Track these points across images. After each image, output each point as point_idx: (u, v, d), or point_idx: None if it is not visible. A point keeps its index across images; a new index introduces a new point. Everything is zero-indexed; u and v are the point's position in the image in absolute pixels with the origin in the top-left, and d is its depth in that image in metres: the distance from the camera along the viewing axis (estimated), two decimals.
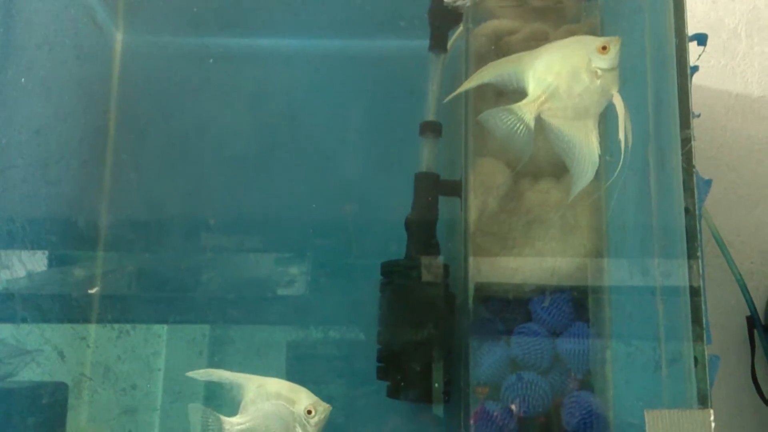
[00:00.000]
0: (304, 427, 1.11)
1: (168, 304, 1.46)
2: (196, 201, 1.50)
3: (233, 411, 1.13)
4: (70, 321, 1.39)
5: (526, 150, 1.14)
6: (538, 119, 1.13)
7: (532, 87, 1.13)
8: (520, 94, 1.15)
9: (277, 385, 1.15)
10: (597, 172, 1.34)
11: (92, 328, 1.42)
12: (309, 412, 1.11)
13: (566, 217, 1.38)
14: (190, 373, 1.19)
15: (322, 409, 1.12)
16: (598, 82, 1.10)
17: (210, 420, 1.13)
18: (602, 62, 1.09)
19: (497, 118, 1.13)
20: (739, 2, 1.75)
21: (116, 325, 1.42)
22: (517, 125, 1.12)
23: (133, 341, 1.43)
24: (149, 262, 1.45)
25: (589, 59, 1.10)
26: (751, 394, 1.58)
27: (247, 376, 1.15)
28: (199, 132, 1.52)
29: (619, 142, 1.11)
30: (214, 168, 1.50)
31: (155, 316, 1.45)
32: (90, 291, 1.42)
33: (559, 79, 1.12)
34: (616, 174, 1.16)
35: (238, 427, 1.13)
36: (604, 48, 1.09)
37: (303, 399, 1.12)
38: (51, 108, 1.38)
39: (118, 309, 1.43)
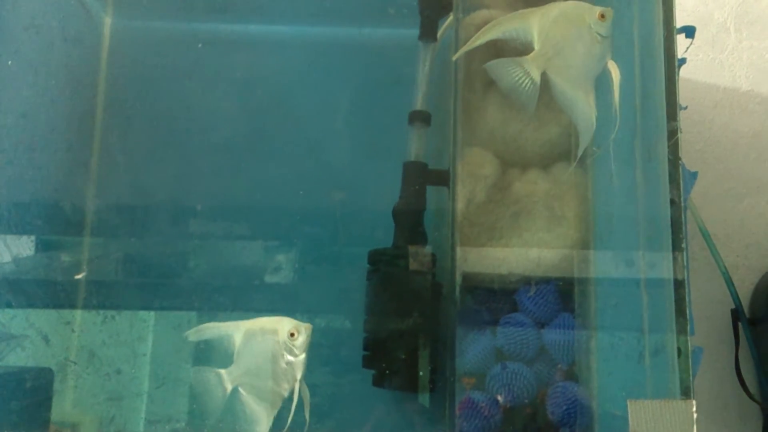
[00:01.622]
0: (291, 351, 1.13)
1: (154, 290, 1.45)
2: (183, 187, 1.49)
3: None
4: (56, 306, 1.39)
5: (529, 104, 1.16)
6: (544, 75, 1.15)
7: (540, 41, 1.16)
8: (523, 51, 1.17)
9: (258, 322, 1.17)
10: (584, 162, 1.35)
11: (78, 313, 1.41)
12: (292, 334, 1.13)
13: (553, 208, 1.39)
14: (186, 334, 1.21)
15: (304, 328, 1.14)
16: (598, 46, 1.14)
17: (211, 378, 1.15)
18: (601, 28, 1.14)
19: (504, 69, 1.16)
20: None
21: (101, 310, 1.42)
22: (523, 78, 1.15)
23: (118, 326, 1.42)
24: (136, 247, 1.45)
25: (590, 24, 1.14)
26: (734, 386, 1.58)
27: (235, 323, 1.17)
28: (187, 118, 1.52)
29: (615, 113, 1.14)
30: (202, 154, 1.50)
31: (141, 302, 1.45)
32: (76, 276, 1.41)
33: (565, 38, 1.15)
34: (611, 138, 1.19)
35: (235, 374, 1.15)
36: (602, 16, 1.14)
37: (284, 325, 1.14)
38: (38, 91, 1.37)
39: (104, 294, 1.42)
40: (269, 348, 1.14)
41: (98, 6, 1.51)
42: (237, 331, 1.17)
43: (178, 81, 1.52)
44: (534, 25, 1.16)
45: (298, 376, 1.14)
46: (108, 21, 1.53)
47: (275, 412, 1.14)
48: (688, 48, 1.16)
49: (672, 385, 1.01)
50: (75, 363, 1.40)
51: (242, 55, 1.54)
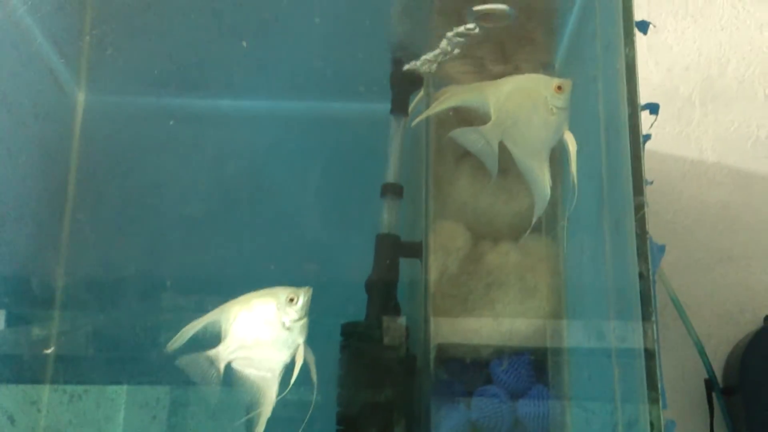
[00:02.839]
0: (290, 316, 1.11)
1: (123, 366, 1.43)
2: (154, 261, 1.49)
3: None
4: (23, 384, 1.37)
5: (492, 167, 1.20)
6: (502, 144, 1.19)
7: (496, 113, 1.19)
8: (475, 117, 1.21)
9: (248, 296, 1.14)
10: (556, 234, 1.36)
11: (44, 393, 1.39)
12: (291, 299, 1.11)
13: (525, 280, 1.40)
14: (167, 346, 1.16)
15: (303, 291, 1.12)
16: (553, 118, 1.17)
17: (201, 361, 1.13)
18: (557, 101, 1.17)
19: (467, 137, 1.20)
20: (694, 71, 1.80)
21: (68, 389, 1.39)
22: (484, 145, 1.19)
23: (85, 405, 1.40)
24: (105, 323, 1.43)
25: (546, 96, 1.17)
26: None
27: (220, 307, 1.15)
28: (160, 192, 1.52)
29: (572, 184, 1.17)
30: (174, 228, 1.50)
31: (110, 379, 1.42)
32: (45, 351, 1.39)
33: (520, 110, 1.19)
34: (570, 209, 1.23)
35: (228, 350, 1.13)
36: (559, 88, 1.17)
37: (280, 293, 1.12)
38: (9, 168, 1.37)
39: (72, 372, 1.40)
40: (265, 317, 1.12)
41: (71, 81, 1.53)
42: (221, 312, 1.14)
43: (150, 156, 1.53)
44: (489, 97, 1.19)
45: (300, 340, 1.12)
46: (81, 97, 1.54)
47: (279, 378, 1.12)
48: (652, 124, 1.18)
49: None
50: None
51: (214, 129, 1.56)
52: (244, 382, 1.14)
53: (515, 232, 1.41)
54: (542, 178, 1.19)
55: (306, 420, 1.15)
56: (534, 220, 1.23)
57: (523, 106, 1.19)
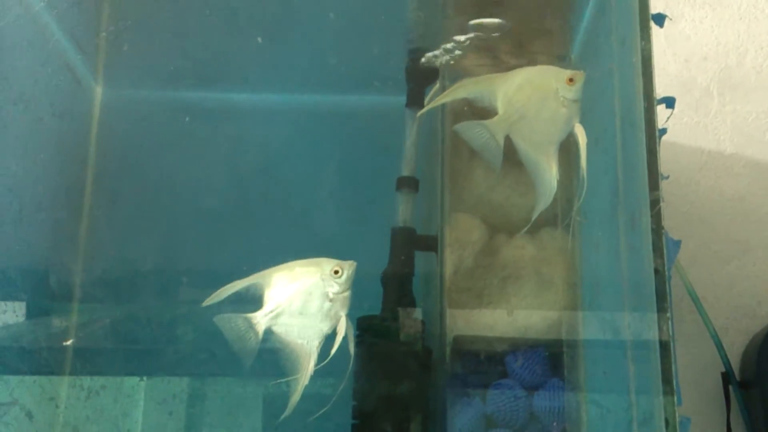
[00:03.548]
0: (333, 287, 1.12)
1: (141, 360, 1.45)
2: (171, 256, 1.50)
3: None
4: (41, 380, 1.38)
5: (496, 162, 1.18)
6: (507, 138, 1.17)
7: (503, 107, 1.17)
8: (490, 112, 1.19)
9: (293, 265, 1.16)
10: (571, 228, 1.36)
11: (62, 389, 1.40)
12: (336, 272, 1.12)
13: (541, 274, 1.39)
14: (205, 303, 1.17)
15: (348, 264, 1.14)
16: (564, 110, 1.15)
17: (239, 324, 1.13)
18: (568, 93, 1.15)
19: (471, 131, 1.18)
20: (711, 61, 1.78)
21: (86, 385, 1.41)
22: (488, 139, 1.17)
23: (102, 402, 1.41)
24: (123, 317, 1.44)
25: (557, 88, 1.15)
26: None
27: (261, 272, 1.16)
28: (176, 187, 1.53)
29: (582, 176, 1.16)
30: (190, 223, 1.50)
31: (128, 373, 1.44)
32: (65, 343, 1.41)
33: (529, 103, 1.17)
34: (579, 203, 1.23)
35: (268, 316, 1.14)
36: (571, 80, 1.15)
37: (325, 264, 1.14)
38: (27, 165, 1.38)
39: (90, 367, 1.42)
40: (308, 287, 1.13)
41: (89, 76, 1.53)
42: (264, 277, 1.15)
43: (167, 151, 1.54)
44: (498, 89, 1.18)
45: (343, 312, 1.13)
46: (99, 90, 1.55)
47: (319, 348, 1.13)
48: (668, 118, 1.17)
49: None
50: None
51: (230, 124, 1.56)
52: (283, 349, 1.14)
53: (531, 226, 1.41)
54: (549, 174, 1.17)
55: (333, 398, 1.16)
56: (534, 216, 1.21)
57: (532, 99, 1.17)
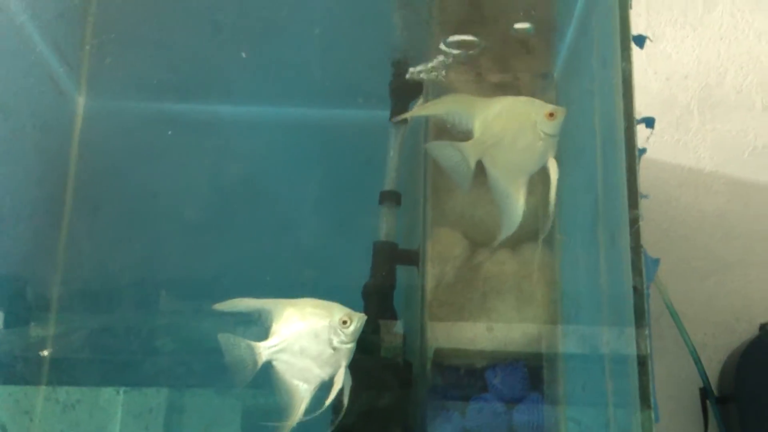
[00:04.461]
0: (339, 337, 1.12)
1: (120, 372, 1.44)
2: (152, 267, 1.49)
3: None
4: (16, 392, 1.37)
5: (464, 185, 1.18)
6: (480, 163, 1.17)
7: (480, 131, 1.17)
8: (465, 134, 1.19)
9: (306, 303, 1.15)
10: (551, 245, 1.37)
11: (37, 402, 1.40)
12: (344, 322, 1.12)
13: (522, 289, 1.40)
14: (216, 306, 1.17)
15: (357, 317, 1.12)
16: (540, 143, 1.15)
17: (242, 347, 1.12)
18: (547, 127, 1.15)
19: (443, 151, 1.18)
20: (692, 80, 1.80)
21: (61, 398, 1.40)
22: (460, 162, 1.16)
23: (77, 415, 1.41)
24: (101, 329, 1.44)
25: (536, 121, 1.15)
26: None
27: (274, 300, 1.15)
28: (158, 198, 1.52)
29: (549, 211, 1.17)
30: (172, 235, 1.50)
31: (105, 383, 1.43)
32: (42, 353, 1.40)
33: (506, 131, 1.17)
34: (542, 235, 1.26)
35: (272, 349, 1.13)
36: (551, 115, 1.14)
37: (336, 311, 1.12)
38: (7, 175, 1.37)
39: (66, 378, 1.41)
40: (316, 330, 1.12)
41: (72, 88, 1.53)
42: (276, 306, 1.15)
43: (149, 162, 1.53)
44: (478, 112, 1.18)
45: (344, 363, 1.13)
46: (81, 103, 1.55)
47: (313, 393, 1.13)
48: (648, 138, 1.18)
49: None
50: None
51: (213, 136, 1.56)
52: (279, 386, 1.14)
53: (512, 241, 1.41)
54: (516, 204, 1.17)
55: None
56: (496, 243, 1.23)
57: (510, 128, 1.17)
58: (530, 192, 1.19)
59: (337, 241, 1.51)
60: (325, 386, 1.14)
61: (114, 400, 1.44)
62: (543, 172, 1.17)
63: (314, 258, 1.51)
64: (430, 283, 1.39)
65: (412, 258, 1.42)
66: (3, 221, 1.36)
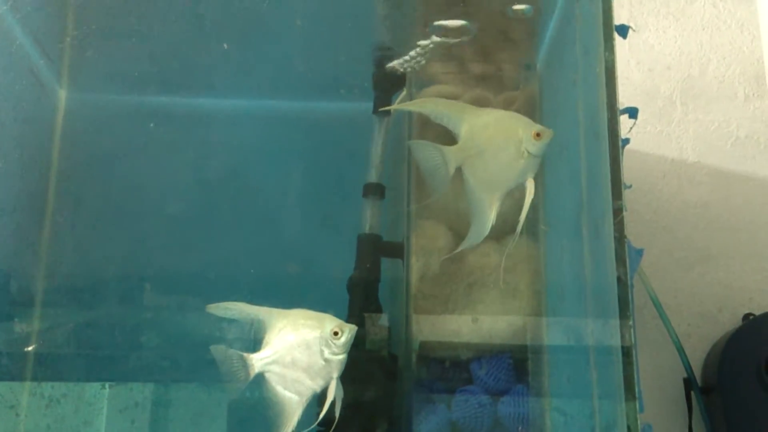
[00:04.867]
0: (330, 348, 1.12)
1: (104, 365, 1.44)
2: (135, 261, 1.49)
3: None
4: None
5: (440, 188, 1.19)
6: (459, 169, 1.18)
7: (465, 138, 1.18)
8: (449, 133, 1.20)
9: (299, 314, 1.15)
10: (537, 236, 1.37)
11: (23, 396, 1.39)
12: (335, 333, 1.12)
13: (506, 281, 1.40)
14: (209, 308, 1.17)
15: (348, 329, 1.13)
16: (522, 161, 1.16)
17: (234, 359, 1.13)
18: (531, 146, 1.15)
19: (425, 152, 1.18)
20: (675, 71, 1.81)
21: (46, 393, 1.39)
22: (440, 165, 1.17)
23: (63, 410, 1.40)
24: (86, 324, 1.43)
25: (521, 138, 1.15)
26: None
27: (268, 309, 1.16)
28: (141, 192, 1.52)
29: (516, 230, 1.18)
30: (155, 229, 1.50)
31: (90, 378, 1.43)
32: (26, 348, 1.39)
33: (490, 143, 1.17)
34: (510, 247, 1.26)
35: (264, 361, 1.13)
36: (538, 135, 1.14)
37: (327, 323, 1.13)
38: None
39: (51, 373, 1.40)
40: (308, 341, 1.13)
41: (53, 81, 1.52)
42: (269, 316, 1.15)
43: (132, 155, 1.53)
44: (466, 119, 1.18)
45: (335, 375, 1.13)
46: (62, 96, 1.54)
47: (305, 405, 1.13)
48: (631, 128, 1.18)
49: None
50: None
51: (195, 129, 1.56)
52: (271, 397, 1.14)
53: (497, 233, 1.41)
54: (486, 217, 1.17)
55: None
56: (459, 249, 1.25)
57: (494, 140, 1.17)
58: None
59: (321, 234, 1.51)
60: (317, 396, 1.14)
61: (99, 394, 1.43)
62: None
63: (298, 251, 1.51)
64: (414, 276, 1.39)
65: (397, 250, 1.42)
66: None
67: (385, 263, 1.42)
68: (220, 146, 1.56)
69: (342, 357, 1.13)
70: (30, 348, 1.39)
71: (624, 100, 1.14)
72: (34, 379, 1.39)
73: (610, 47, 1.11)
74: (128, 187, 1.52)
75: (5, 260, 1.41)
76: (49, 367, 1.41)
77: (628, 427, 1.01)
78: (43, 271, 1.45)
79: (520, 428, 1.31)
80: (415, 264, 1.40)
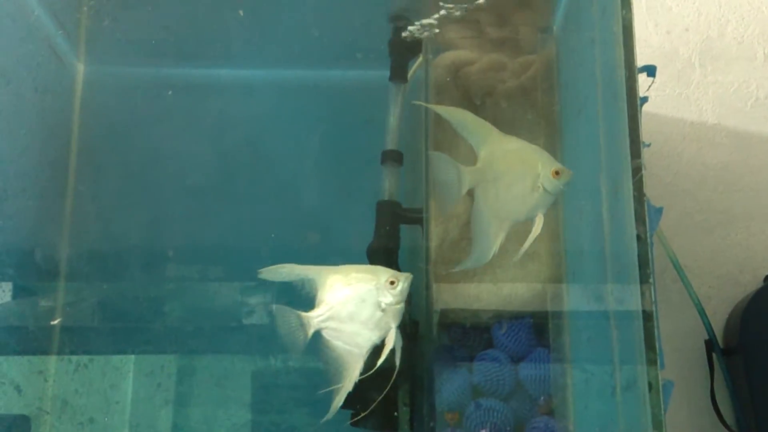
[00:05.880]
0: (387, 298, 1.13)
1: (129, 335, 1.45)
2: (157, 232, 1.50)
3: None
4: (29, 354, 1.38)
5: (449, 204, 1.20)
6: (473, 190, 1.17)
7: (483, 162, 1.17)
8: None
9: (350, 269, 1.16)
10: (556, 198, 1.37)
11: (51, 362, 1.41)
12: (391, 282, 1.13)
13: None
14: (261, 272, 1.17)
15: (404, 277, 1.14)
16: (535, 195, 1.15)
17: (291, 318, 1.14)
18: (548, 183, 1.14)
19: (443, 164, 1.18)
20: (693, 32, 1.79)
21: (74, 358, 1.41)
22: (454, 182, 1.16)
23: (90, 374, 1.42)
24: (110, 293, 1.45)
25: (539, 174, 1.14)
26: (711, 417, 1.59)
27: (317, 267, 1.16)
28: (160, 162, 1.53)
29: (519, 254, 1.18)
30: (175, 198, 1.51)
31: (116, 348, 1.44)
32: (52, 322, 1.41)
33: (508, 172, 1.16)
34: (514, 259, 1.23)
35: (319, 318, 1.14)
36: (557, 173, 1.13)
37: (381, 274, 1.14)
38: (9, 141, 1.37)
39: (78, 342, 1.42)
40: (363, 294, 1.13)
41: (70, 52, 1.53)
42: (320, 275, 1.15)
43: (151, 126, 1.53)
44: (489, 142, 1.17)
45: (394, 324, 1.14)
46: (81, 68, 1.54)
47: (365, 358, 1.14)
48: (650, 86, 1.17)
49: (644, 419, 1.02)
50: (48, 413, 1.39)
51: (213, 99, 1.56)
52: (330, 353, 1.15)
53: None
54: (490, 244, 1.17)
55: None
56: (458, 268, 1.26)
57: (512, 170, 1.16)
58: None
59: (341, 202, 1.52)
60: (377, 348, 1.15)
61: (126, 358, 1.45)
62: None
63: (317, 219, 1.51)
64: (434, 242, 1.39)
65: (416, 217, 1.42)
66: (9, 187, 1.36)
67: (405, 230, 1.42)
68: (238, 115, 1.56)
69: (400, 305, 1.14)
70: (56, 321, 1.41)
71: (642, 63, 1.13)
72: (60, 351, 1.41)
73: (627, 5, 1.10)
74: (148, 157, 1.53)
75: (30, 231, 1.42)
76: (75, 338, 1.43)
77: (650, 384, 1.01)
78: (66, 240, 1.46)
79: (543, 397, 1.32)
80: (435, 230, 1.40)
